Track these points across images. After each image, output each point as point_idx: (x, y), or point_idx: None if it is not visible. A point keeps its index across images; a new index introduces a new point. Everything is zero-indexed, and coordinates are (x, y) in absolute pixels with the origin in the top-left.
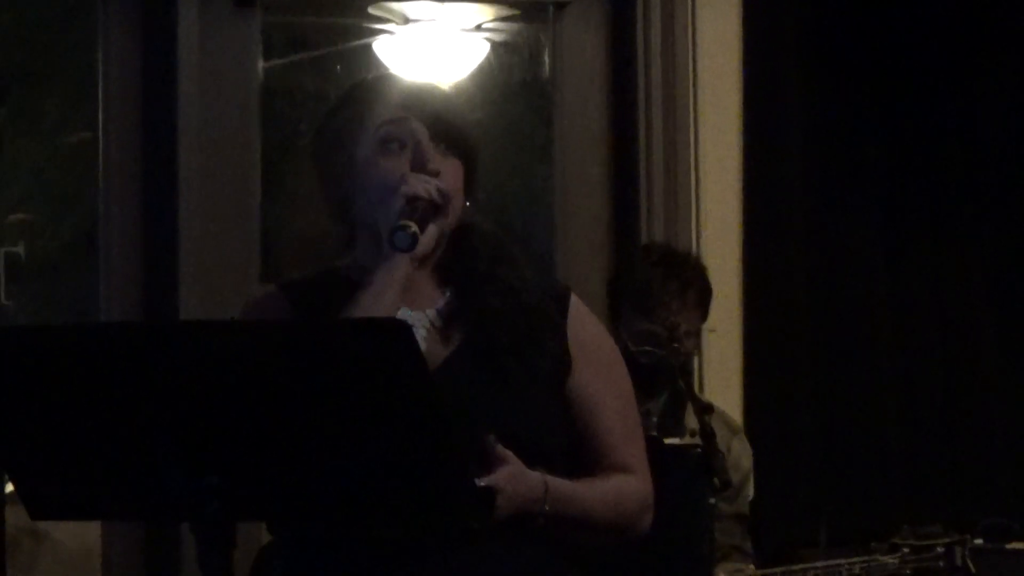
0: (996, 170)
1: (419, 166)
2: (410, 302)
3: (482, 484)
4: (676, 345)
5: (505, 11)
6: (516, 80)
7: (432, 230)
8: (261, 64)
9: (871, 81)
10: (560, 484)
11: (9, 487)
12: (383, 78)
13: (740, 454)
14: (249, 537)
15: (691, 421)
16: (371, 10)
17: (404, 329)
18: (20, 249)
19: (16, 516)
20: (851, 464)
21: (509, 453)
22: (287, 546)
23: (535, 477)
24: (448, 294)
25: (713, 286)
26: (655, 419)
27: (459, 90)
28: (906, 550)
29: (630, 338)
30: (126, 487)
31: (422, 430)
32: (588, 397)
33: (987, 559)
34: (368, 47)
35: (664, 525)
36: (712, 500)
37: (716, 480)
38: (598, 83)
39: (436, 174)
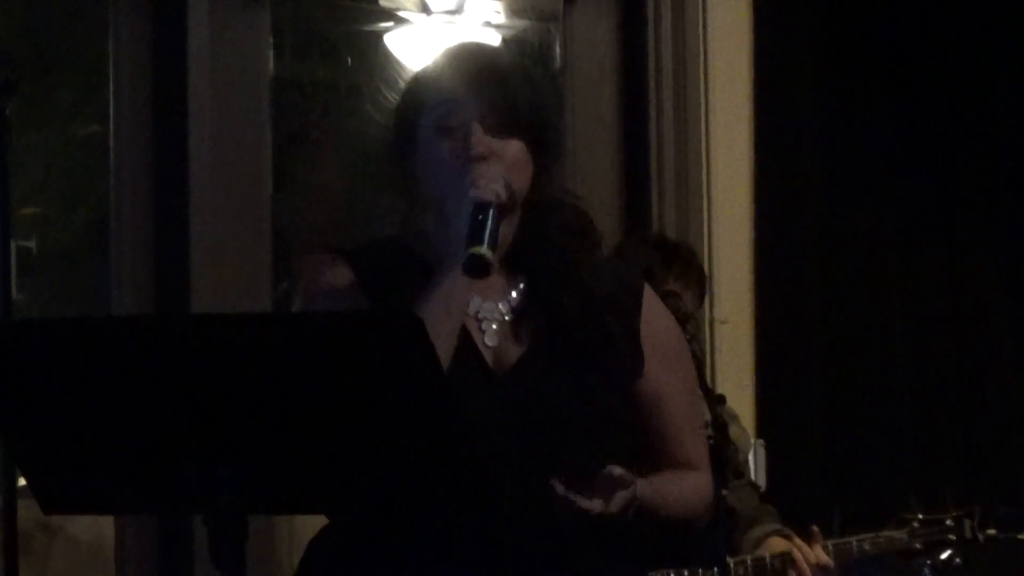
0: (1009, 161)
1: (467, 152)
2: (483, 291)
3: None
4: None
5: (516, 3)
6: (531, 69)
7: (503, 228)
8: (272, 56)
9: (882, 71)
10: (647, 491)
11: (21, 481)
12: (449, 58)
13: (739, 438)
14: (262, 529)
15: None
16: (382, 2)
17: (416, 322)
18: (32, 243)
19: (29, 510)
20: (864, 452)
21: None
22: (341, 531)
23: (635, 486)
24: (521, 287)
25: (724, 277)
26: None
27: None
28: (915, 524)
29: None
30: (138, 480)
31: (434, 422)
32: (657, 392)
33: (1000, 548)
34: (379, 40)
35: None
36: (724, 491)
37: (729, 471)
38: (609, 75)
39: (483, 158)
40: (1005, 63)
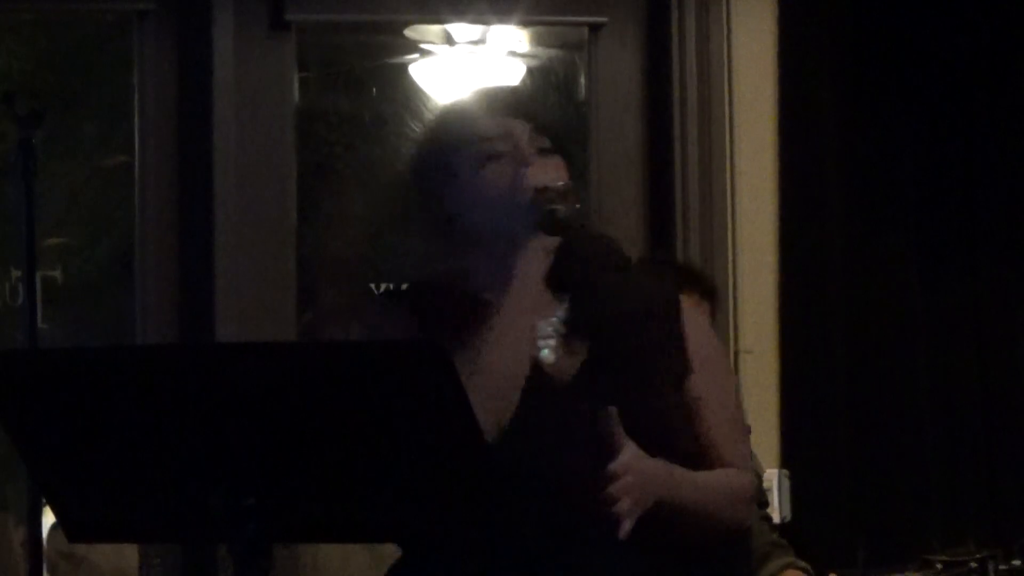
0: None
1: (521, 163)
2: (534, 310)
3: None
4: None
5: (540, 33)
6: (552, 102)
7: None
8: (297, 86)
9: (907, 99)
10: (679, 468)
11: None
12: (480, 97)
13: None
14: (287, 559)
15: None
16: (407, 33)
17: (439, 350)
18: (57, 273)
19: (53, 539)
20: (889, 486)
21: (626, 438)
22: (414, 560)
23: (655, 460)
24: (566, 302)
25: (749, 307)
26: None
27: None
28: (939, 566)
29: None
30: (163, 509)
31: (458, 450)
32: (696, 396)
33: None
34: (404, 70)
35: (700, 546)
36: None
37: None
38: (633, 105)
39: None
40: None
